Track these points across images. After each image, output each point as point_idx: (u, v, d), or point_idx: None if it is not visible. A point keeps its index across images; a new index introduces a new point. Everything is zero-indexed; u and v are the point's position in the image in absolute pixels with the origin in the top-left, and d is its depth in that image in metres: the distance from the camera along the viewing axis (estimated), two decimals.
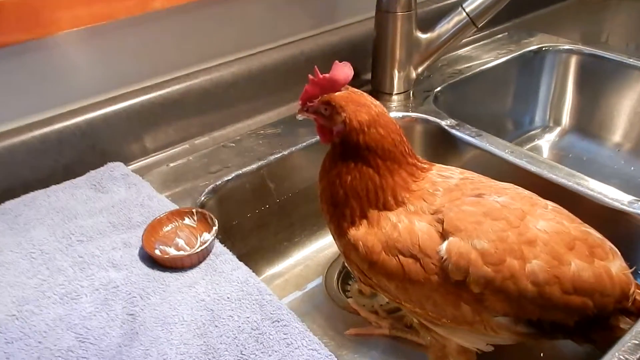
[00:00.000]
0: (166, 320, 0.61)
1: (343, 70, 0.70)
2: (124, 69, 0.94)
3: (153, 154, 0.98)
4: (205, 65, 1.02)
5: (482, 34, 1.42)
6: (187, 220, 0.76)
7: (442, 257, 0.62)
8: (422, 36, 1.09)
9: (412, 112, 1.09)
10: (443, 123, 1.05)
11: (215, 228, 0.73)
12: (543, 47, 1.36)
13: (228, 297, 0.65)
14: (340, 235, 0.70)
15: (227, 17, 1.01)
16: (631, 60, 1.26)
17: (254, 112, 1.08)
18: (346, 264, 0.76)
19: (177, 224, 0.75)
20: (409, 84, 1.15)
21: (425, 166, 0.73)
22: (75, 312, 0.63)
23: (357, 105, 0.68)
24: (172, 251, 0.71)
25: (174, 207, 0.79)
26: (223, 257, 0.71)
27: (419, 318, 0.72)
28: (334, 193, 0.70)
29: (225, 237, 0.88)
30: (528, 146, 1.39)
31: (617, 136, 1.34)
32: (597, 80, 1.32)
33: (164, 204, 0.80)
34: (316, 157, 0.88)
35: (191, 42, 0.99)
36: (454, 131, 1.03)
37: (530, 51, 1.34)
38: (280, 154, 0.96)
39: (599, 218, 0.79)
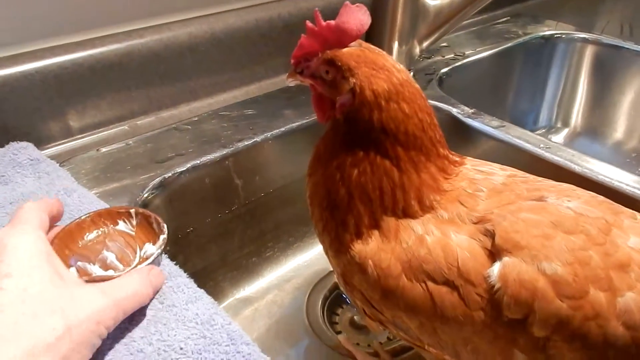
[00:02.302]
0: None
1: (356, 17, 0.53)
2: (40, 15, 0.74)
3: (79, 136, 0.79)
4: (154, 21, 0.84)
5: (480, 17, 1.28)
6: (121, 226, 0.56)
7: (493, 286, 0.48)
8: (431, 2, 0.92)
9: None
10: (455, 111, 0.90)
11: (163, 237, 0.53)
12: (555, 34, 1.21)
13: (182, 348, 0.44)
14: (338, 251, 0.55)
15: None
16: None
17: (216, 88, 0.91)
18: (344, 291, 0.61)
19: (106, 230, 0.55)
20: (410, 62, 0.97)
21: (457, 159, 0.58)
22: None
23: (373, 67, 0.52)
24: (97, 271, 0.50)
25: (103, 206, 0.61)
26: (175, 282, 0.51)
27: None
28: (332, 192, 0.55)
29: (176, 249, 0.75)
30: None
31: (634, 140, 1.21)
32: (614, 76, 1.19)
33: (88, 202, 0.61)
34: (299, 146, 0.80)
35: None
36: (470, 121, 0.87)
37: (540, 37, 1.20)
38: (252, 140, 0.79)
39: None
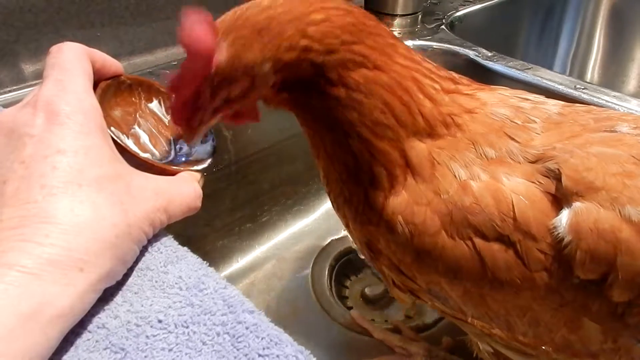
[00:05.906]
0: None
1: (193, 24, 0.40)
2: None
3: (34, 82, 0.68)
4: None
5: None
6: (155, 105, 0.49)
7: (562, 239, 0.41)
8: None
9: (427, 41, 0.85)
10: (472, 54, 0.81)
11: (213, 144, 0.49)
12: None
13: (160, 321, 0.33)
14: (368, 222, 0.48)
15: None
16: None
17: None
18: (368, 261, 0.53)
19: (138, 102, 0.48)
20: (419, 4, 0.89)
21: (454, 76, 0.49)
22: None
23: (255, 29, 0.41)
24: (132, 146, 0.44)
25: None
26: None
27: (496, 345, 0.51)
28: (346, 156, 0.47)
29: None
30: None
31: None
32: (632, 28, 1.13)
33: None
34: None
35: None
36: (491, 64, 0.79)
37: None
38: None
39: None
